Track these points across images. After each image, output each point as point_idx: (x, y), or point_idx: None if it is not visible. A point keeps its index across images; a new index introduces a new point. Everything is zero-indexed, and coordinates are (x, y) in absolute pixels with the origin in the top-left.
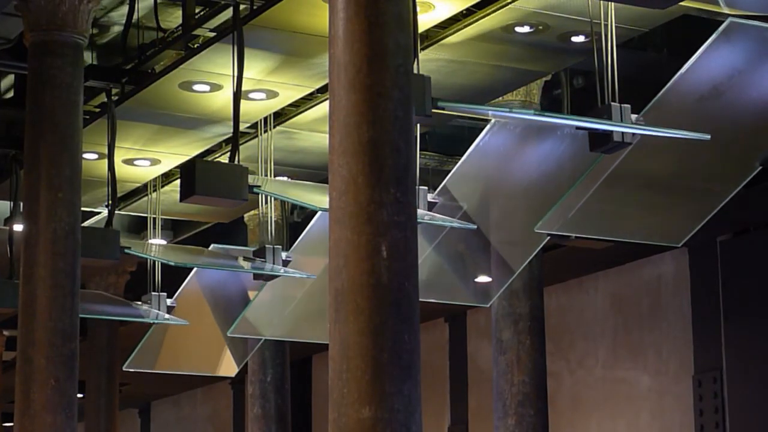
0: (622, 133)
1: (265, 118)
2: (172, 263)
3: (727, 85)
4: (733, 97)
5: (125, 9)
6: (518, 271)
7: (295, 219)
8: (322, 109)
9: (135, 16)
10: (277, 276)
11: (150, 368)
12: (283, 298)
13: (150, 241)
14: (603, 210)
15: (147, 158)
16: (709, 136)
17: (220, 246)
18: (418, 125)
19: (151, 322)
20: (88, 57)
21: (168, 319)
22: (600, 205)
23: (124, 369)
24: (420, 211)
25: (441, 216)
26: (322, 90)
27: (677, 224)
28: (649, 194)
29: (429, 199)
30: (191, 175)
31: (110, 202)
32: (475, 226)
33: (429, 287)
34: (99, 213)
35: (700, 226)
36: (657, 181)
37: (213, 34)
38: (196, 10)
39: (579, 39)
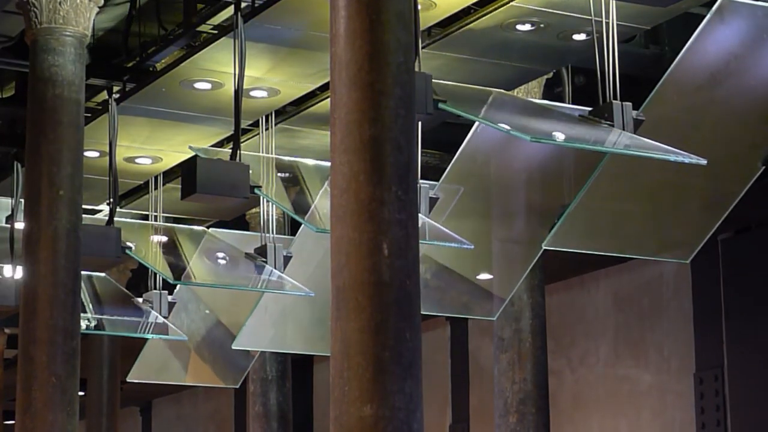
0: (623, 127)
1: (267, 116)
2: (171, 281)
3: (725, 73)
4: (731, 88)
5: (126, 7)
6: (525, 274)
7: None
8: (324, 106)
9: (137, 10)
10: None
11: (153, 380)
12: (283, 308)
13: (152, 237)
14: (610, 226)
15: (148, 156)
16: (705, 161)
17: (219, 230)
18: (420, 123)
19: (148, 337)
20: (90, 55)
21: (165, 333)
22: (607, 221)
23: (127, 380)
24: (420, 216)
25: (439, 228)
26: (324, 88)
27: (684, 239)
28: (654, 204)
29: (431, 195)
30: (192, 173)
31: (111, 199)
32: (472, 246)
33: (432, 300)
34: (100, 210)
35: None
36: (661, 187)
37: (215, 32)
38: (198, 8)
39: (580, 37)
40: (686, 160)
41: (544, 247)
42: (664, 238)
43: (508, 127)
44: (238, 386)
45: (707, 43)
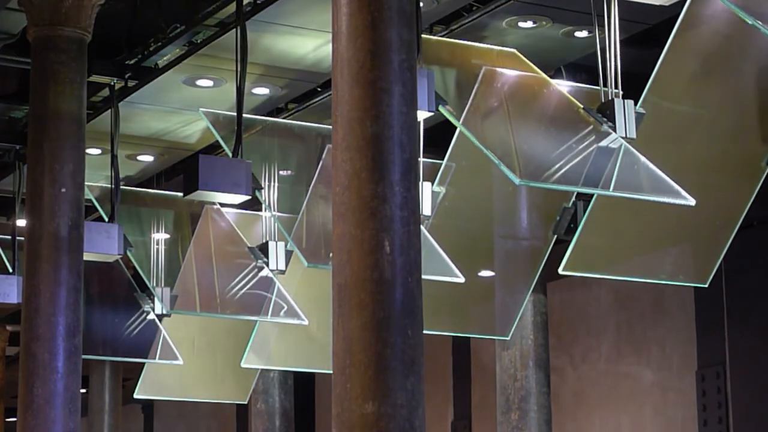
0: (625, 129)
1: (269, 113)
2: (169, 312)
3: (717, 56)
4: (725, 76)
5: (128, 4)
6: (533, 282)
7: None
8: (326, 104)
9: (138, 7)
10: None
11: (159, 396)
12: (285, 325)
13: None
14: (624, 251)
15: (150, 153)
16: (693, 202)
17: (223, 209)
18: (422, 120)
19: (148, 362)
20: (91, 52)
21: (165, 356)
22: (620, 245)
23: (134, 397)
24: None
25: (436, 250)
26: (326, 85)
27: (699, 260)
28: (665, 221)
29: (434, 189)
30: (194, 171)
31: (114, 196)
32: (463, 280)
33: (444, 318)
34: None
35: (721, 259)
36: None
37: (217, 29)
38: (200, 5)
39: (582, 34)
40: (673, 201)
41: (560, 272)
42: (679, 260)
43: (499, 162)
44: (246, 402)
45: (696, 22)
